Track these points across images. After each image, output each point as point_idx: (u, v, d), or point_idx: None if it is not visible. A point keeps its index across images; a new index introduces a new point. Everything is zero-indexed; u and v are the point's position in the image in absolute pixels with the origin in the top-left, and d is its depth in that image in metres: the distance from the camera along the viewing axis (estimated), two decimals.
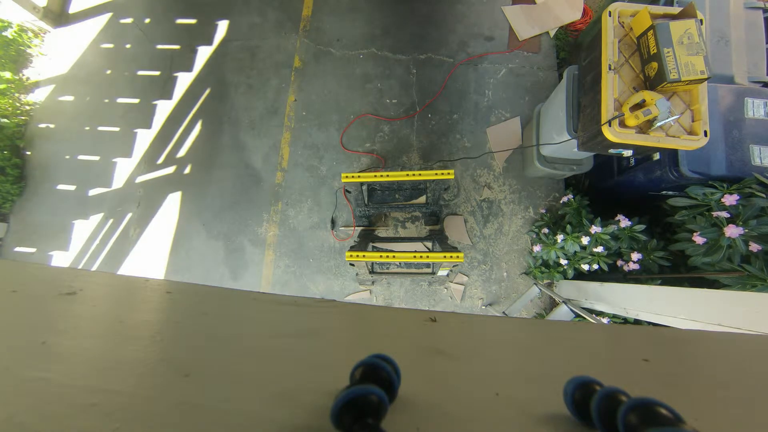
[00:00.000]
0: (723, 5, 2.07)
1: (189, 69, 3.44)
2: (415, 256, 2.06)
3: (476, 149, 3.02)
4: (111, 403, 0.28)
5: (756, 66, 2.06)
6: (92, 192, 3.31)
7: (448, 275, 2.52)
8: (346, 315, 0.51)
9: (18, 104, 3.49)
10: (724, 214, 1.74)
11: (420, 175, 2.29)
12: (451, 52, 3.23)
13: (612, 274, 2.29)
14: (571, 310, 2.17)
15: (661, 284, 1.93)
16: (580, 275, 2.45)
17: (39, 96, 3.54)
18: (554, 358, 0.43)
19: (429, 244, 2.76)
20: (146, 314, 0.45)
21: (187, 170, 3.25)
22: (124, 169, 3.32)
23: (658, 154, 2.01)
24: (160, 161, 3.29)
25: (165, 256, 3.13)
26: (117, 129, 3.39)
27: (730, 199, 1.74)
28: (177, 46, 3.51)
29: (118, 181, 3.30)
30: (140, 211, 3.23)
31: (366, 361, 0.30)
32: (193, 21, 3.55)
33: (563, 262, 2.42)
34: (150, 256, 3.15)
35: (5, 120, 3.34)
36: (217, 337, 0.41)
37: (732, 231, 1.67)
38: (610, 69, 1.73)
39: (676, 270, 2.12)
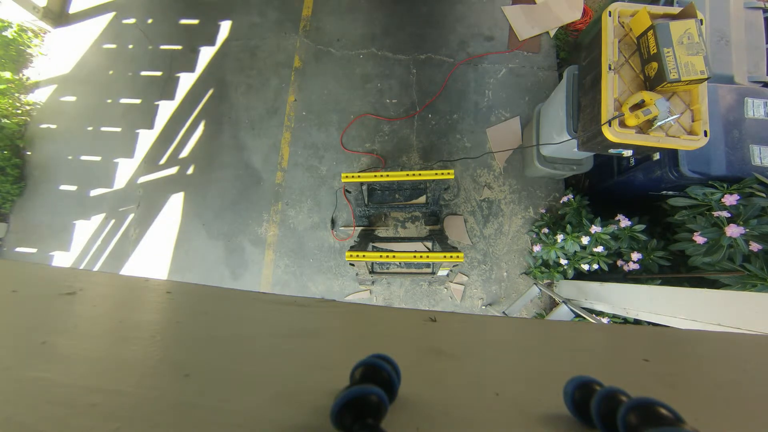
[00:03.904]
0: (723, 5, 2.07)
1: (190, 69, 3.44)
2: (415, 256, 2.06)
3: (476, 149, 3.02)
4: (111, 403, 0.28)
5: (756, 66, 2.06)
6: (93, 192, 3.31)
7: (448, 275, 2.52)
8: (346, 315, 0.51)
9: (18, 104, 3.49)
10: (725, 214, 1.74)
11: (420, 175, 2.29)
12: (451, 52, 3.23)
13: (612, 274, 2.29)
14: (571, 310, 2.17)
15: (661, 284, 1.93)
16: (580, 275, 2.45)
17: (39, 96, 3.54)
18: (554, 358, 0.43)
19: (429, 244, 2.76)
20: (146, 314, 0.45)
21: (188, 171, 3.25)
22: (125, 169, 3.32)
23: (658, 154, 2.01)
24: (161, 162, 3.29)
25: (165, 256, 3.13)
26: (119, 129, 3.39)
27: (730, 199, 1.74)
28: (179, 47, 3.51)
29: (120, 181, 3.30)
30: (141, 211, 3.23)
31: (366, 361, 0.30)
32: (194, 21, 3.55)
33: (563, 262, 2.42)
34: (151, 256, 3.15)
35: (5, 120, 3.34)
36: (217, 337, 0.41)
37: (733, 230, 1.67)
38: (610, 69, 1.73)
39: (676, 270, 2.12)
